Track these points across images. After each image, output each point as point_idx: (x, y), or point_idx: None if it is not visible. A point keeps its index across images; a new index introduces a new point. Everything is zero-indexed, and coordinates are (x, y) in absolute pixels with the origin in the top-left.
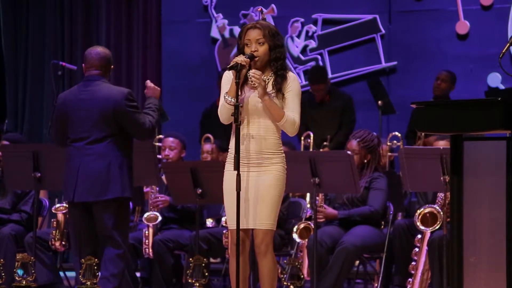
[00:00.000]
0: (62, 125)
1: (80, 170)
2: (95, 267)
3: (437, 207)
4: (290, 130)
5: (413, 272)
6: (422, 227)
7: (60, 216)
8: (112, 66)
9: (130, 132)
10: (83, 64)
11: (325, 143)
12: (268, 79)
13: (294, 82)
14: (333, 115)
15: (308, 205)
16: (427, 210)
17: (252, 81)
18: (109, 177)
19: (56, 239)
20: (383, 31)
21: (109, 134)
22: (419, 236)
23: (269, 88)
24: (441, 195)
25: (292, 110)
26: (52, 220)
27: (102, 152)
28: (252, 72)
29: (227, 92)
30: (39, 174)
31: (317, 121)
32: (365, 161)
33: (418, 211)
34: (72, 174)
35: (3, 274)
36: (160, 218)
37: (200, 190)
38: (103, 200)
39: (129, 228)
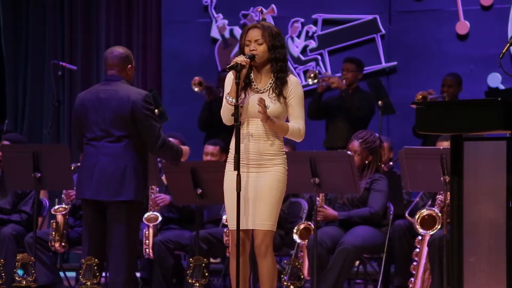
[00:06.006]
0: (80, 125)
1: (96, 168)
2: (95, 267)
3: (436, 209)
4: (296, 139)
5: (414, 272)
6: (421, 230)
7: (59, 217)
8: (129, 66)
9: (143, 135)
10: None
11: None
12: (270, 84)
13: (297, 87)
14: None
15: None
16: (426, 212)
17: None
18: (124, 179)
19: (55, 240)
20: (383, 31)
21: (126, 134)
22: (419, 237)
23: (270, 92)
24: (440, 197)
25: (296, 118)
26: (51, 221)
27: (119, 152)
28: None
29: (228, 93)
30: (39, 174)
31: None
32: (366, 162)
33: (417, 214)
34: (87, 172)
35: (3, 274)
36: (160, 219)
37: (200, 190)
38: (117, 201)
39: (138, 234)
